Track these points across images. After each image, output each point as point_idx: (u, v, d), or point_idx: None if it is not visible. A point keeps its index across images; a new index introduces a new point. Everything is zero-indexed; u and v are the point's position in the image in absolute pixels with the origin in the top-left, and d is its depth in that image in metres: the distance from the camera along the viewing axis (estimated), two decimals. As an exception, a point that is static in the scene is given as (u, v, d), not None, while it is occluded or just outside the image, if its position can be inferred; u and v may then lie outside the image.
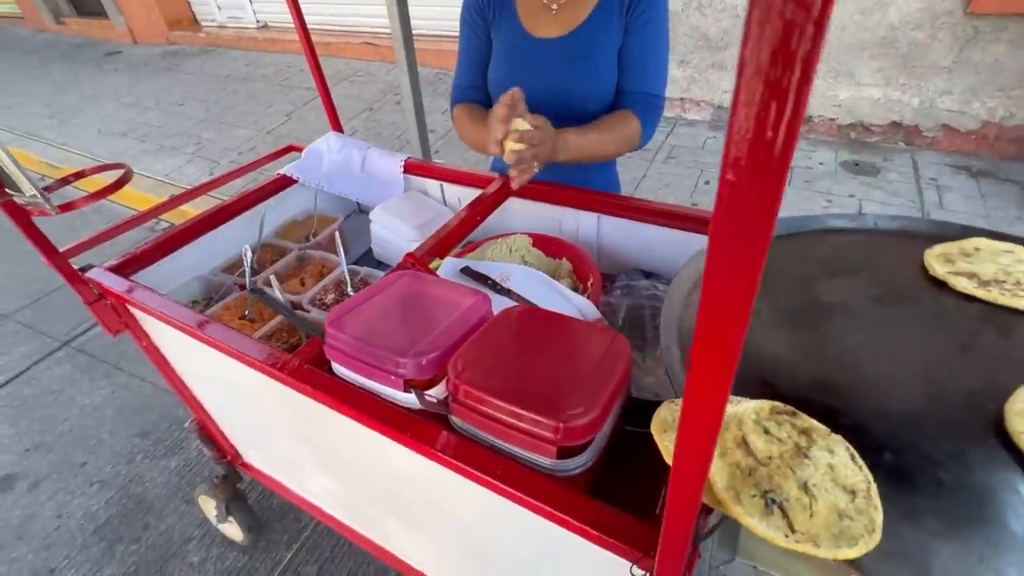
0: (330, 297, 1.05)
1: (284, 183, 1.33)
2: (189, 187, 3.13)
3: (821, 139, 3.20)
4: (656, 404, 0.77)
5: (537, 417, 0.54)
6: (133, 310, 1.03)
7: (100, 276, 0.98)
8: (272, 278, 0.90)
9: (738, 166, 0.19)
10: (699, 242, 1.00)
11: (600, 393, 0.57)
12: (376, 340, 0.67)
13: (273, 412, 0.96)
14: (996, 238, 0.73)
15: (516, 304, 0.74)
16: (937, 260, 0.71)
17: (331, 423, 0.76)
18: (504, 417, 0.56)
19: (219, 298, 1.09)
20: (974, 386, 0.55)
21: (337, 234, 1.11)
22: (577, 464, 0.57)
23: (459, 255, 1.06)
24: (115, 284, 0.96)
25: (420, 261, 0.91)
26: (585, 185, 1.13)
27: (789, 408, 0.51)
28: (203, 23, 6.12)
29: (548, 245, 1.09)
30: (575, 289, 0.98)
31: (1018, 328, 0.61)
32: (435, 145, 3.50)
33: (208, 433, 1.31)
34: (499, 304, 0.78)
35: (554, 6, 1.03)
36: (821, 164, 2.97)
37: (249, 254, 1.02)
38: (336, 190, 1.34)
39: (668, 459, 0.48)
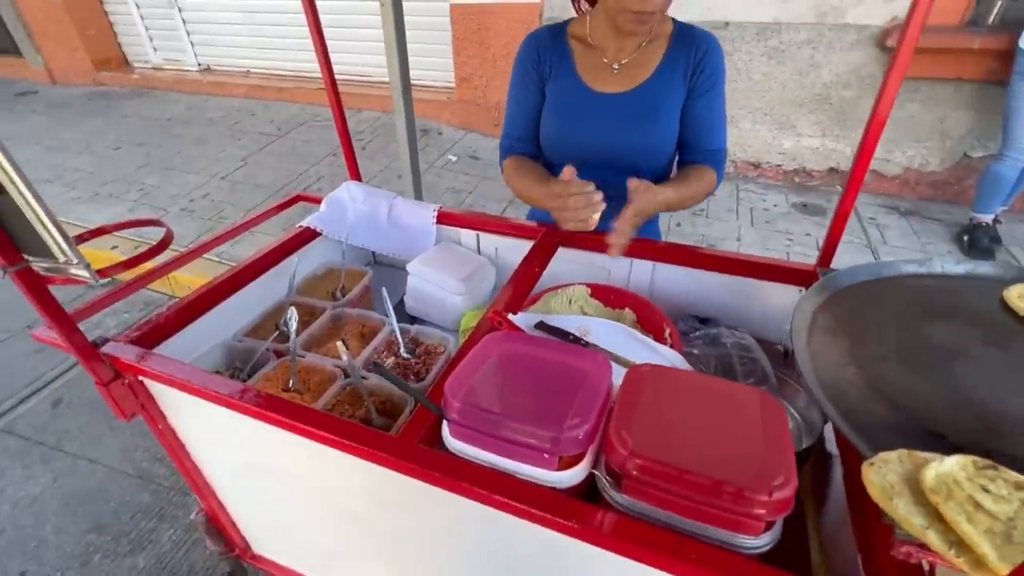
0: (388, 361, 0.96)
1: (305, 237, 1.23)
2: (143, 240, 2.89)
3: (771, 184, 3.48)
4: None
5: (741, 490, 0.50)
6: (153, 387, 0.89)
7: (118, 351, 0.83)
8: (340, 345, 0.81)
9: None
10: (748, 286, 1.02)
11: (787, 456, 0.54)
12: (517, 413, 0.60)
13: (337, 497, 0.84)
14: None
15: (641, 363, 0.71)
16: (1017, 298, 0.76)
17: (442, 509, 0.67)
18: (699, 493, 0.52)
19: (250, 368, 0.96)
20: None
21: (384, 291, 1.03)
22: (772, 537, 0.53)
23: (521, 309, 1.01)
24: (136, 359, 0.82)
25: (505, 318, 0.86)
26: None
27: (989, 463, 0.51)
28: (135, 64, 5.79)
29: (607, 295, 1.07)
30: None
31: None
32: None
33: (218, 525, 1.13)
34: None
35: (615, 66, 1.05)
36: (775, 206, 3.22)
37: (295, 316, 0.92)
38: (362, 243, 1.26)
39: (911, 529, 0.45)
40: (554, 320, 0.95)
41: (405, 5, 4.10)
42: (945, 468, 0.50)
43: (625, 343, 0.90)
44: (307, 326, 1.03)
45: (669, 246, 1.09)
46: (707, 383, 0.66)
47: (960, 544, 0.44)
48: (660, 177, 1.15)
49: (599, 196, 0.91)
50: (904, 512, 0.46)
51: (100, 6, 5.47)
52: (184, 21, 5.25)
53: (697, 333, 0.96)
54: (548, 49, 1.08)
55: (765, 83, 3.23)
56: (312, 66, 4.87)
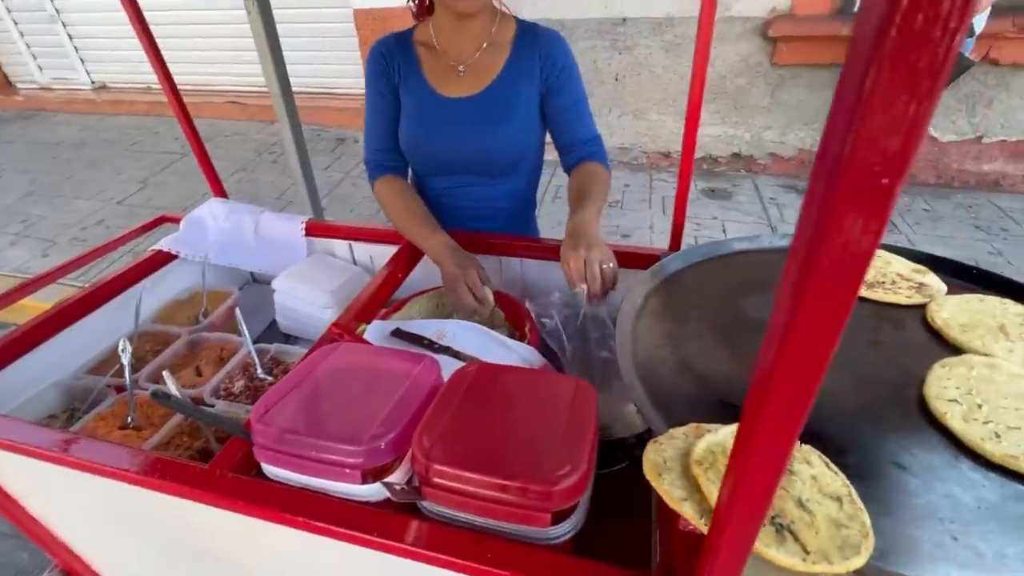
0: (238, 384, 0.91)
1: (161, 260, 1.15)
2: (21, 275, 2.64)
3: (681, 171, 3.62)
4: (612, 442, 0.77)
5: (526, 485, 0.50)
6: (-38, 442, 0.80)
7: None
8: (166, 374, 0.76)
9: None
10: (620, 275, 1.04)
11: (581, 445, 0.55)
12: (319, 430, 0.58)
13: (181, 539, 0.79)
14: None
15: (464, 363, 0.70)
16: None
17: (269, 538, 0.64)
18: (488, 492, 0.51)
19: (88, 407, 0.89)
20: (894, 377, 0.62)
21: (238, 311, 0.98)
22: (569, 527, 0.53)
23: (384, 316, 0.99)
24: (-67, 412, 0.74)
25: (347, 329, 0.83)
26: (504, 219, 1.16)
27: (761, 427, 0.53)
28: (19, 85, 5.32)
29: (476, 295, 1.06)
30: (512, 336, 0.96)
31: (906, 320, 0.71)
32: (322, 202, 3.34)
33: (77, 579, 1.03)
34: (441, 364, 0.73)
35: (461, 68, 1.04)
36: (686, 193, 3.35)
37: (128, 347, 0.86)
38: (228, 261, 1.20)
39: (671, 503, 0.47)
40: (411, 326, 0.93)
41: (308, 11, 4.02)
42: (718, 437, 0.52)
43: (481, 343, 0.90)
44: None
45: (535, 242, 1.10)
46: (526, 378, 0.66)
47: (711, 511, 0.45)
48: (523, 178, 1.16)
49: (488, 306, 0.94)
50: (667, 486, 0.48)
51: (-29, 24, 4.99)
52: (71, 36, 4.88)
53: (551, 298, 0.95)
54: (395, 56, 1.06)
55: (665, 75, 3.35)
56: (220, 79, 4.65)
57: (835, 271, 0.19)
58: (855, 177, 0.17)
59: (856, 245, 0.18)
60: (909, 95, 0.15)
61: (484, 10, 1.00)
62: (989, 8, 2.37)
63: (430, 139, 1.07)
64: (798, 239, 0.20)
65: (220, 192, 1.32)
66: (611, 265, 0.87)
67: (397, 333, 0.91)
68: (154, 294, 1.15)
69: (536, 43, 1.04)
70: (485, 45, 1.04)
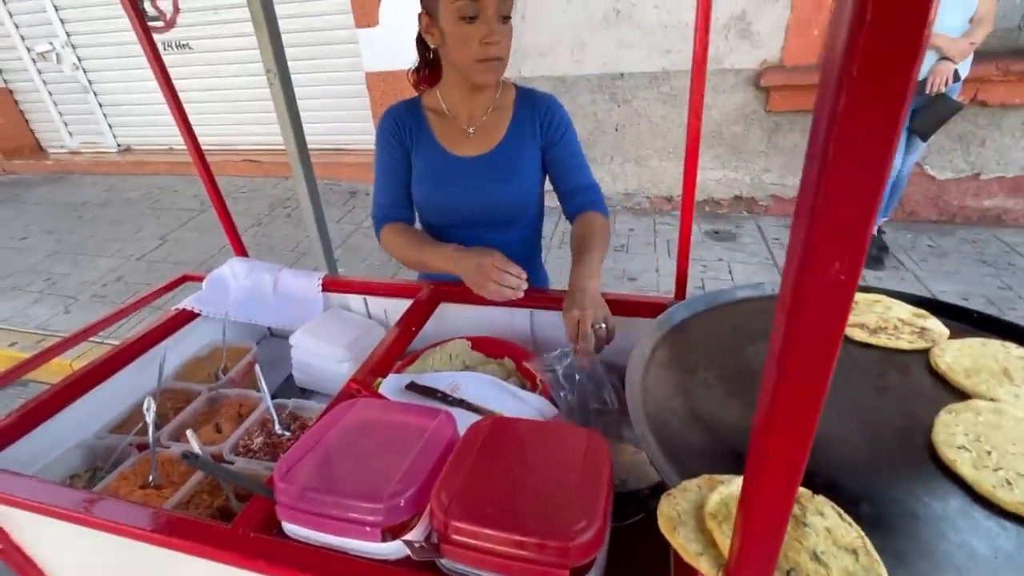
0: (257, 441, 0.93)
1: (184, 318, 1.20)
2: (43, 332, 2.71)
3: (684, 214, 3.69)
4: (627, 495, 0.78)
5: (543, 541, 0.51)
6: (-11, 504, 0.82)
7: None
8: (189, 433, 0.78)
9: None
10: (626, 324, 1.07)
11: (596, 500, 0.56)
12: (340, 488, 0.60)
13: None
14: (863, 291, 0.88)
15: (479, 415, 0.72)
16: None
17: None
18: (506, 549, 0.52)
19: (110, 466, 0.91)
20: (902, 424, 0.63)
21: (257, 368, 1.01)
22: (587, 583, 0.54)
23: (398, 370, 1.02)
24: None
25: (365, 384, 0.86)
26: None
27: (772, 478, 0.54)
28: (50, 150, 5.62)
29: (487, 346, 1.09)
30: (524, 387, 0.98)
31: (911, 365, 0.72)
32: (335, 254, 3.43)
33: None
34: (456, 417, 0.75)
35: (470, 130, 1.13)
36: (690, 235, 3.41)
37: (153, 406, 0.89)
38: (247, 318, 1.24)
39: (687, 558, 0.47)
40: (425, 379, 0.95)
41: (324, 75, 4.26)
42: (731, 489, 0.53)
43: (494, 394, 0.92)
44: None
45: (543, 293, 1.14)
46: (540, 431, 0.68)
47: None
48: (529, 226, 1.22)
49: (524, 282, 1.00)
50: (683, 540, 0.48)
51: (10, 96, 5.33)
52: (100, 104, 5.19)
53: (551, 355, 0.96)
54: (406, 121, 1.13)
55: (664, 124, 3.49)
56: (238, 139, 4.89)
57: (818, 315, 0.22)
58: (826, 229, 0.20)
59: (833, 288, 0.21)
60: (864, 164, 0.18)
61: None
62: (972, 54, 2.48)
63: (443, 194, 1.14)
64: (783, 287, 0.23)
65: (241, 250, 1.38)
66: (603, 325, 0.91)
67: (412, 387, 0.94)
68: (176, 352, 1.18)
69: (535, 106, 1.14)
70: (491, 109, 1.13)
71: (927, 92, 2.48)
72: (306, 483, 0.61)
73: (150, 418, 0.88)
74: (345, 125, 4.45)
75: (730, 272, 2.97)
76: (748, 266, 3.02)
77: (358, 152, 4.49)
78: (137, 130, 5.21)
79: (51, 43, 4.90)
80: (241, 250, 1.38)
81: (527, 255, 1.26)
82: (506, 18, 0.99)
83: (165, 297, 1.32)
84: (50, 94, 5.24)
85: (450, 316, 1.16)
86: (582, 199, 1.15)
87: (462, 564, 0.55)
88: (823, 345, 0.22)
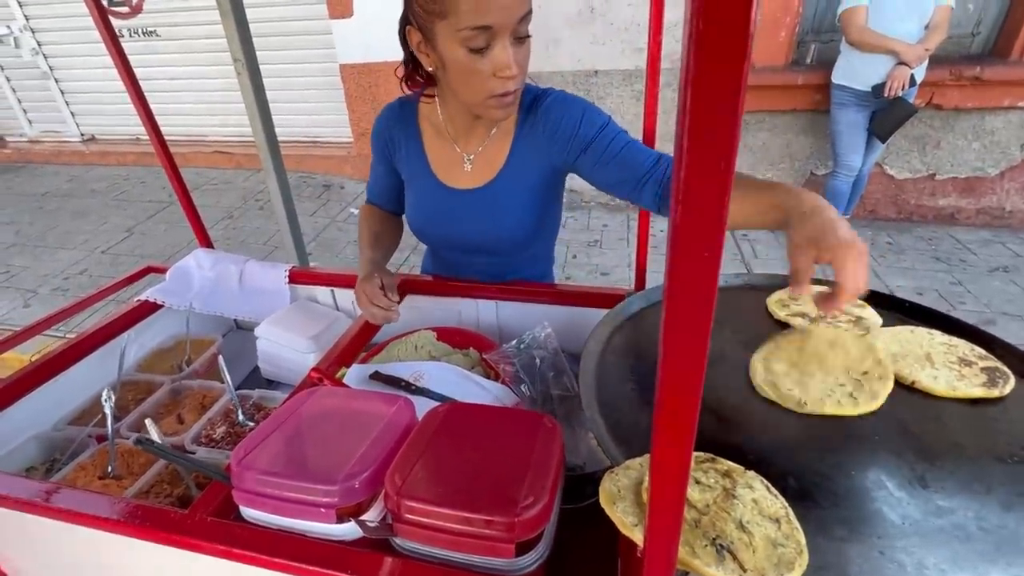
0: (219, 430, 0.93)
1: (146, 310, 1.19)
2: (1, 326, 2.62)
3: (657, 211, 3.76)
4: (583, 477, 0.81)
5: (490, 517, 0.53)
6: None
7: None
8: (148, 422, 0.78)
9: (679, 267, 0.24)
10: (588, 314, 1.10)
11: (544, 479, 0.58)
12: (296, 471, 0.61)
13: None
14: (812, 283, 0.93)
15: (438, 403, 0.74)
16: (776, 306, 0.87)
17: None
18: (455, 526, 0.55)
19: (68, 458, 0.90)
20: (832, 409, 0.67)
21: (220, 358, 1.01)
22: (534, 558, 0.56)
23: (363, 360, 1.03)
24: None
25: (327, 374, 0.87)
26: (519, 276, 1.16)
27: (708, 455, 0.58)
28: (8, 139, 5.40)
29: (453, 337, 1.11)
30: (488, 376, 1.00)
31: (845, 352, 0.77)
32: (308, 247, 3.40)
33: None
34: (417, 405, 0.77)
35: (468, 158, 1.01)
36: (661, 231, 3.47)
37: (111, 397, 0.88)
38: (212, 309, 1.23)
39: (624, 529, 0.50)
40: (389, 369, 0.97)
41: (296, 66, 4.20)
42: (668, 467, 0.56)
43: (456, 383, 0.94)
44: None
45: (508, 285, 1.16)
46: (495, 416, 0.70)
47: (658, 535, 0.49)
48: (539, 247, 1.16)
49: (397, 315, 0.98)
50: (620, 513, 0.51)
51: (-37, 81, 5.11)
52: (62, 91, 5.01)
53: (509, 345, 0.98)
54: (396, 135, 1.05)
55: (637, 123, 3.52)
56: (208, 129, 4.78)
57: (691, 290, 0.24)
58: (690, 213, 0.22)
59: (701, 263, 0.23)
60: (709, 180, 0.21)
61: None
62: (927, 60, 2.58)
63: (438, 226, 1.08)
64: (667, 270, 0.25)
65: (206, 242, 1.36)
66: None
67: (376, 376, 0.95)
68: (138, 343, 1.17)
69: (538, 118, 0.95)
70: (494, 131, 0.99)
71: (886, 95, 2.58)
72: (263, 468, 0.62)
73: (108, 409, 0.88)
74: (319, 117, 4.40)
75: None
76: (756, 272, 3.09)
77: (332, 145, 4.44)
78: (102, 119, 5.04)
79: (8, 26, 4.70)
80: (206, 241, 1.37)
81: (536, 272, 1.20)
82: (523, 37, 0.81)
83: (129, 289, 1.30)
84: (8, 80, 5.04)
85: (417, 307, 1.18)
86: (664, 174, 0.86)
87: (414, 542, 0.57)
88: (698, 319, 0.24)
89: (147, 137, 1.25)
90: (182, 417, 0.99)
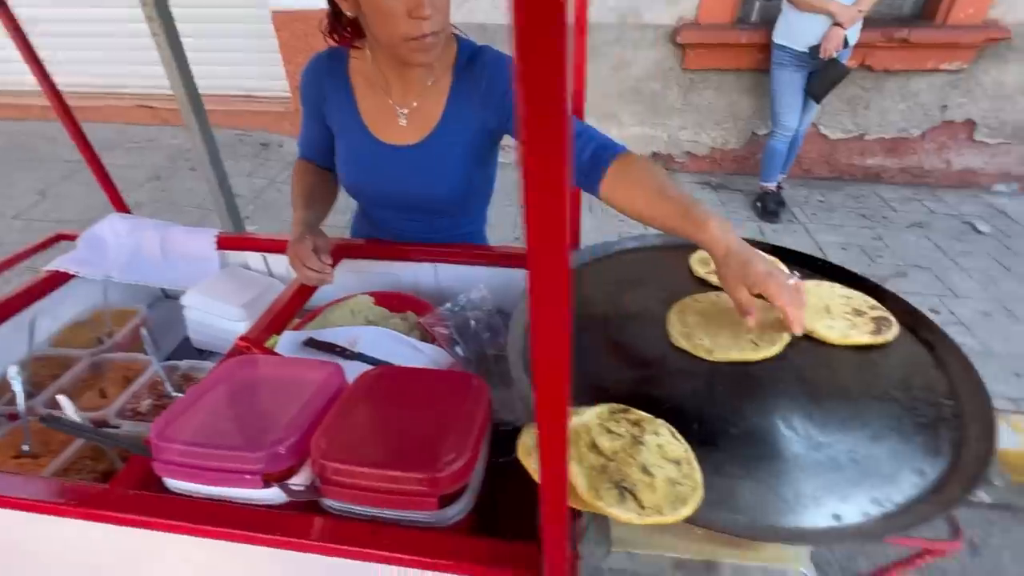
0: (145, 403, 0.90)
1: (58, 280, 1.11)
2: None
3: (607, 170, 3.79)
4: (517, 432, 0.84)
5: (411, 474, 0.55)
6: None
7: None
8: (62, 397, 0.75)
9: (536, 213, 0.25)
10: (513, 275, 1.11)
11: (468, 435, 0.61)
12: (220, 440, 0.61)
13: (92, 566, 0.78)
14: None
15: (371, 368, 0.74)
16: (697, 263, 0.92)
17: (178, 552, 0.66)
18: (378, 484, 0.56)
19: (-23, 438, 0.85)
20: (737, 355, 0.72)
21: (143, 329, 0.97)
22: (458, 510, 0.59)
23: (298, 327, 1.01)
24: None
25: (256, 342, 0.85)
26: (450, 237, 1.16)
27: (622, 407, 0.62)
28: None
29: (390, 301, 1.10)
30: (425, 340, 1.01)
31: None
32: (245, 210, 3.23)
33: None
34: (353, 370, 0.77)
35: (403, 112, 0.98)
36: (611, 191, 3.51)
37: (18, 374, 0.83)
38: (134, 279, 1.16)
39: (537, 478, 0.53)
40: (323, 335, 0.96)
41: (222, 11, 3.84)
42: (583, 419, 0.60)
43: (392, 347, 0.94)
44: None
45: (447, 247, 1.15)
46: (425, 377, 0.71)
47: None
48: (473, 206, 1.15)
49: (331, 277, 0.96)
50: (534, 464, 0.55)
51: None
52: (-55, 33, 4.39)
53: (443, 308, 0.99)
54: (328, 86, 1.01)
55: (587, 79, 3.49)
56: (125, 80, 4.35)
57: (545, 241, 0.25)
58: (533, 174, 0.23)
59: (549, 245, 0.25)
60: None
61: None
62: (861, 21, 2.66)
63: (371, 184, 1.05)
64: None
65: (121, 206, 1.27)
66: (795, 275, 0.72)
67: (309, 343, 0.94)
68: (52, 316, 1.10)
69: (474, 76, 0.95)
70: (430, 82, 0.97)
71: (821, 57, 2.65)
72: (185, 437, 0.61)
73: (17, 387, 0.83)
74: (251, 69, 4.08)
75: (646, 228, 3.12)
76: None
77: (268, 100, 4.15)
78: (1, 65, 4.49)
79: None
80: (121, 206, 1.28)
81: (471, 231, 1.19)
82: None
83: (41, 259, 1.21)
84: None
85: (355, 271, 1.16)
86: (582, 150, 0.84)
87: (341, 502, 0.59)
88: (555, 266, 0.26)
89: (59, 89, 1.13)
90: (105, 391, 0.95)
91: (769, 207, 3.14)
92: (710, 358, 0.71)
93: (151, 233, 1.20)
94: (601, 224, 3.11)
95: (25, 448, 0.83)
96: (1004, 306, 2.40)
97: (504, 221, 3.15)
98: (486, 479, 0.67)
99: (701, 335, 0.73)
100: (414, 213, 1.11)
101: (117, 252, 1.18)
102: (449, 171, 1.01)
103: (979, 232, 3.00)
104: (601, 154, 0.83)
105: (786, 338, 0.72)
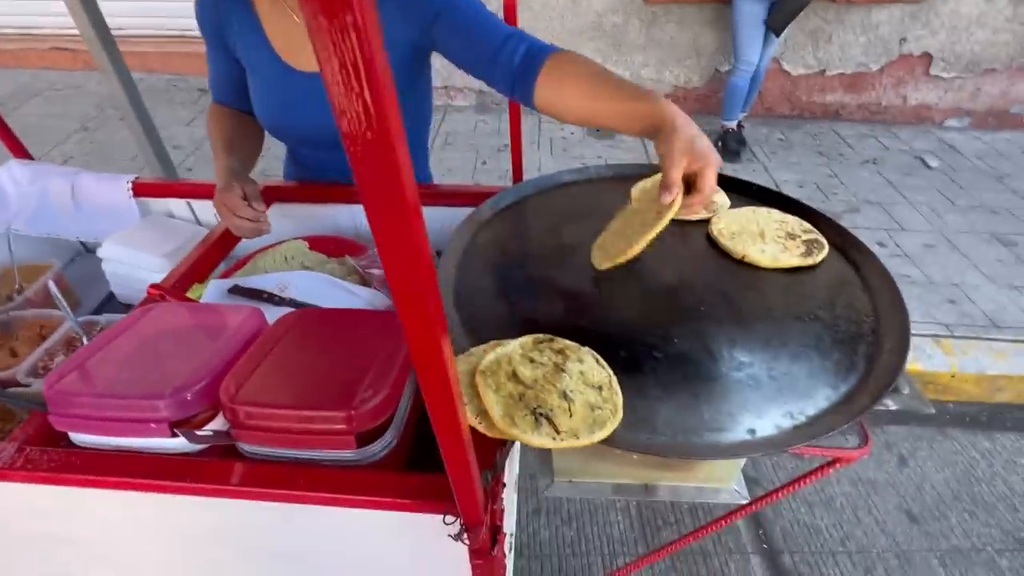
0: (59, 360, 0.85)
1: (-49, 234, 1.01)
2: None
3: (569, 112, 3.67)
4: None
5: (326, 413, 0.53)
6: None
7: None
8: (-46, 357, 0.69)
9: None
10: (462, 214, 1.07)
11: (388, 372, 0.58)
12: (122, 389, 0.57)
13: (8, 526, 0.75)
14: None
15: (292, 311, 0.71)
16: (637, 192, 0.89)
17: (93, 506, 0.63)
18: (293, 424, 0.54)
19: None
20: (671, 281, 0.71)
21: (51, 283, 0.89)
22: (382, 446, 0.58)
23: (225, 275, 0.96)
24: None
25: (171, 291, 0.80)
26: None
27: (547, 336, 0.60)
28: None
29: (326, 245, 1.05)
30: (364, 284, 0.97)
31: (691, 234, 0.81)
32: (186, 163, 3.04)
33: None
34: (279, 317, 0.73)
35: None
36: (572, 134, 3.43)
37: (-92, 335, 0.76)
38: (42, 231, 1.07)
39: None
40: (250, 282, 0.91)
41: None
42: (506, 349, 0.58)
43: (325, 291, 0.90)
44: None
45: (384, 187, 1.09)
46: (347, 318, 0.68)
47: (485, 412, 0.51)
48: (412, 137, 1.07)
49: (267, 225, 0.91)
50: (452, 396, 0.53)
51: None
52: None
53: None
54: (227, 10, 0.91)
55: (545, 12, 3.32)
56: (40, 19, 3.91)
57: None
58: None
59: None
60: None
61: None
62: (823, -54, 2.57)
63: (291, 119, 0.97)
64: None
65: (20, 152, 1.15)
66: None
67: (235, 290, 0.89)
68: (-51, 274, 1.01)
69: None
70: None
71: (782, -16, 2.57)
72: (85, 388, 0.57)
73: (-92, 347, 0.76)
74: (183, 6, 3.71)
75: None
76: (623, 160, 3.13)
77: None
78: None
79: None
80: (22, 152, 1.16)
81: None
82: None
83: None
84: None
85: (289, 216, 1.09)
86: (512, 52, 0.78)
87: (255, 445, 0.57)
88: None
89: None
90: (15, 350, 0.89)
91: (730, 146, 3.13)
92: (623, 258, 0.68)
93: (57, 180, 1.10)
94: (562, 166, 3.05)
95: (-74, 412, 0.77)
96: (946, 238, 2.50)
97: (464, 166, 3.05)
98: (420, 417, 0.66)
99: (614, 240, 0.72)
100: (341, 150, 1.03)
101: (20, 203, 1.08)
102: None
103: (929, 167, 3.07)
104: (533, 55, 0.78)
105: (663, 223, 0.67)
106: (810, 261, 0.72)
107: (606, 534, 1.53)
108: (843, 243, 0.76)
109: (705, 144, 0.65)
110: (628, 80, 0.73)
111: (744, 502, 0.80)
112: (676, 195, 0.66)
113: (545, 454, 0.92)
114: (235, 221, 0.88)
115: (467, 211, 1.05)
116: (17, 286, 1.02)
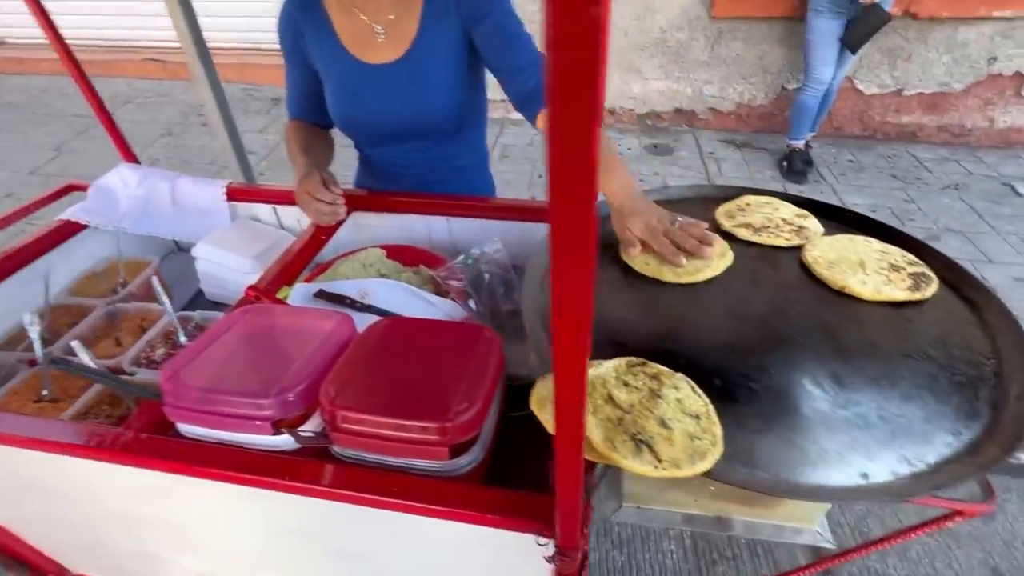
0: (159, 352, 0.91)
1: (70, 230, 1.10)
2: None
3: (626, 128, 3.65)
4: (529, 386, 0.83)
5: (422, 423, 0.54)
6: None
7: None
8: (76, 343, 0.75)
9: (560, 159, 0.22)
10: (529, 228, 1.08)
11: (479, 386, 0.59)
12: (230, 386, 0.60)
13: (109, 503, 0.80)
14: (758, 194, 0.93)
15: (379, 319, 0.73)
16: (723, 217, 0.87)
17: (191, 493, 0.66)
18: (388, 432, 0.55)
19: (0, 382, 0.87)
20: (764, 310, 0.69)
21: (155, 279, 0.96)
22: (469, 459, 0.58)
23: (309, 279, 1.00)
24: None
25: (266, 292, 0.84)
26: (460, 191, 1.15)
27: (639, 360, 0.59)
28: (-101, 41, 4.71)
29: (403, 254, 1.08)
30: (439, 294, 0.99)
31: (782, 260, 0.78)
32: (258, 167, 3.21)
33: (11, 553, 1.03)
34: (363, 323, 0.76)
35: (379, 29, 0.97)
36: (629, 149, 3.40)
37: (35, 321, 0.84)
38: (145, 230, 1.16)
39: (551, 429, 0.52)
40: (333, 287, 0.94)
41: (229, -41, 3.70)
42: (600, 371, 0.57)
43: (403, 300, 0.92)
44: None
45: (459, 200, 1.12)
46: (435, 328, 0.70)
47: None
48: (468, 134, 1.13)
49: (343, 209, 0.96)
50: (547, 415, 0.53)
51: None
52: (-46, -17, 4.32)
53: (457, 261, 0.97)
54: (303, 22, 0.99)
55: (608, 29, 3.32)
56: (136, 33, 4.27)
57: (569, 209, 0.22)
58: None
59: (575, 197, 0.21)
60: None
61: None
62: (907, -38, 2.45)
63: (361, 110, 1.03)
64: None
65: (130, 157, 1.25)
66: (678, 220, 0.80)
67: (321, 294, 0.92)
68: (67, 266, 1.10)
69: None
70: None
71: (860, 2, 2.47)
72: (197, 383, 0.61)
73: (34, 334, 0.83)
74: (259, 20, 3.96)
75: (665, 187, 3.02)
76: (683, 180, 3.07)
77: (278, 52, 4.04)
78: (11, 17, 4.42)
79: None
80: (131, 156, 1.26)
81: (473, 165, 1.18)
82: None
83: (55, 210, 1.20)
84: None
85: (365, 225, 1.13)
86: (529, 79, 0.91)
87: (351, 449, 0.58)
88: (580, 213, 0.22)
89: (70, 42, 1.09)
90: (120, 340, 0.96)
91: (796, 166, 3.01)
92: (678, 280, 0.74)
93: (161, 184, 1.19)
94: (619, 183, 3.02)
95: (45, 393, 0.84)
96: (1040, 272, 2.30)
97: (520, 180, 3.08)
98: (498, 432, 0.66)
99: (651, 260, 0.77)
100: (408, 141, 1.08)
101: (130, 204, 1.17)
102: (434, 85, 1.00)
103: (1019, 194, 2.85)
104: (540, 95, 0.88)
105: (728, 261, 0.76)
106: (919, 296, 0.68)
107: (658, 562, 1.48)
108: (954, 277, 0.71)
109: (632, 217, 0.78)
110: (608, 144, 0.82)
111: (829, 547, 0.76)
112: (635, 253, 0.78)
113: (613, 476, 0.90)
114: (315, 205, 0.94)
115: (542, 227, 1.06)
116: (121, 280, 1.10)
